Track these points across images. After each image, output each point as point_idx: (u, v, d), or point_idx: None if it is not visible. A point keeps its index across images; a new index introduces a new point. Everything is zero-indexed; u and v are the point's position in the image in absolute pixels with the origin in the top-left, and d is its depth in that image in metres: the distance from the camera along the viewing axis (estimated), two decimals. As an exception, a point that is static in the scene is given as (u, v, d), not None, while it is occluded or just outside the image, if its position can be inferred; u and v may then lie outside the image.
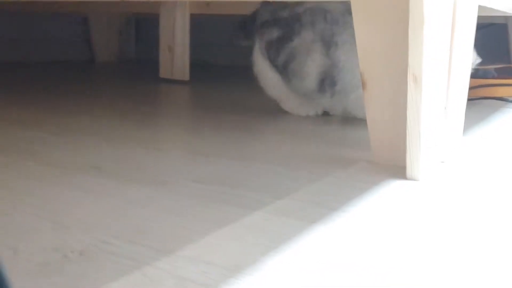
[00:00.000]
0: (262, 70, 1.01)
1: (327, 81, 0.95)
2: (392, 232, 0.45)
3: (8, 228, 0.43)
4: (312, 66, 0.95)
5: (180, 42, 1.51)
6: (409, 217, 0.49)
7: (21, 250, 0.39)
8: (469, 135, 0.86)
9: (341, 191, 0.56)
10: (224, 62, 2.16)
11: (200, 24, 1.90)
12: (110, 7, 1.80)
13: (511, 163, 0.70)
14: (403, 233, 0.45)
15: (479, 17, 0.74)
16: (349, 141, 0.82)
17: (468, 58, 0.69)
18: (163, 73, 1.55)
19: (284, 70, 0.98)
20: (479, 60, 1.08)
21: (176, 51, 1.51)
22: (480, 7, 0.75)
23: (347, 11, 0.93)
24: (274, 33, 0.98)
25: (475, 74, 1.21)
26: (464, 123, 0.75)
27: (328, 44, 0.94)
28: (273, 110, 1.07)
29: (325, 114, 1.05)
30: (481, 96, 1.21)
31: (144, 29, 2.40)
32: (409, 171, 0.60)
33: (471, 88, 1.17)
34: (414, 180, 0.60)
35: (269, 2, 1.05)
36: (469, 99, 1.11)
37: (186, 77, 1.52)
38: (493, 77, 1.31)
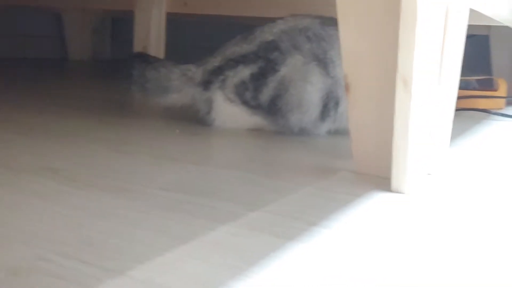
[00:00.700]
0: (231, 118, 0.86)
1: (331, 104, 0.82)
2: (377, 250, 0.40)
3: None
4: (313, 92, 0.81)
5: (155, 42, 1.45)
6: (394, 234, 0.44)
7: None
8: (453, 146, 0.82)
9: (321, 203, 0.51)
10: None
11: (178, 24, 1.84)
12: (84, 3, 1.72)
13: (497, 176, 0.65)
14: (389, 251, 0.40)
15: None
16: (332, 149, 0.78)
17: (458, 64, 0.65)
18: (137, 73, 1.48)
19: (271, 108, 0.82)
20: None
21: (150, 51, 1.45)
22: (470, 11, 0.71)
23: (324, 23, 0.85)
24: (244, 72, 0.83)
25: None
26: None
27: (324, 62, 0.82)
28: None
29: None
30: (462, 107, 1.18)
31: (120, 28, 2.33)
32: (394, 183, 0.55)
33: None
34: (400, 192, 0.55)
35: (141, 54, 0.99)
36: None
37: (161, 78, 1.46)
38: (474, 89, 1.28)
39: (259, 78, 0.83)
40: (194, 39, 2.07)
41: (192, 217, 0.45)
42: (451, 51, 0.62)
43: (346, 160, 0.68)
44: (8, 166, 0.58)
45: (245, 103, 0.84)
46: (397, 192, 0.55)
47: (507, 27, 1.30)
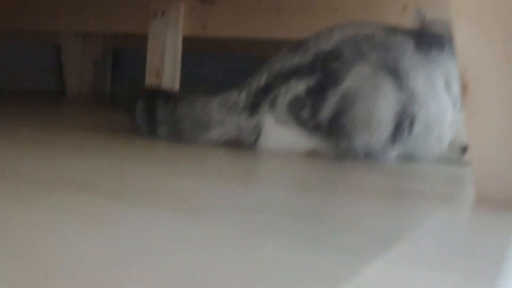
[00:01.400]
0: (283, 144, 0.72)
1: (406, 123, 0.68)
2: None
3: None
4: (385, 107, 0.67)
5: (170, 70, 1.33)
6: None
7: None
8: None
9: (464, 234, 0.39)
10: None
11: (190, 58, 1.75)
12: (88, 26, 1.60)
13: None
14: None
15: None
16: (416, 174, 0.65)
17: None
18: (148, 102, 1.36)
19: (332, 127, 0.69)
20: None
21: (164, 80, 1.33)
22: None
23: (389, 31, 0.73)
24: (299, 87, 0.70)
25: None
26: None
27: (396, 72, 0.69)
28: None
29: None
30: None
31: (121, 61, 2.23)
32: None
33: None
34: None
35: (155, 91, 0.85)
36: None
37: (175, 107, 1.33)
38: None
39: (317, 93, 0.70)
40: (206, 73, 1.97)
41: (313, 248, 0.32)
42: None
43: (449, 185, 0.56)
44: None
45: (301, 123, 0.71)
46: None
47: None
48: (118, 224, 0.34)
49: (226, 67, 1.77)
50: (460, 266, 0.30)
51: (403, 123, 0.68)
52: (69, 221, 0.34)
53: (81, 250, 0.29)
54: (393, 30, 0.74)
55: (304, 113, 0.70)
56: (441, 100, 0.71)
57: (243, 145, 0.73)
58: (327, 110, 0.69)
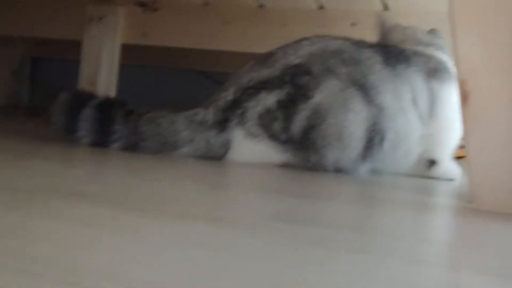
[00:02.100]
0: (253, 157, 0.69)
1: (377, 139, 0.67)
2: None
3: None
4: (356, 123, 0.66)
5: (106, 79, 1.25)
6: None
7: None
8: None
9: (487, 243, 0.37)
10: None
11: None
12: (17, 31, 1.45)
13: None
14: None
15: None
16: (399, 184, 0.64)
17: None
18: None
19: (303, 142, 0.67)
20: None
21: (99, 87, 1.24)
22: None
23: (357, 45, 0.72)
24: (269, 99, 0.68)
25: None
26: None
27: (365, 87, 0.68)
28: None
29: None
30: None
31: (40, 70, 2.09)
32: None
33: None
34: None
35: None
36: None
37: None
38: None
39: (288, 106, 0.68)
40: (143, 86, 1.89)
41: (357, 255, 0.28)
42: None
43: (438, 196, 0.54)
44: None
45: (273, 136, 0.68)
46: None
47: None
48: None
49: (165, 80, 1.69)
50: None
51: (374, 139, 0.67)
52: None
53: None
54: (361, 44, 0.73)
55: (275, 126, 0.68)
56: (409, 115, 0.70)
57: (212, 159, 0.69)
58: (298, 124, 0.68)
